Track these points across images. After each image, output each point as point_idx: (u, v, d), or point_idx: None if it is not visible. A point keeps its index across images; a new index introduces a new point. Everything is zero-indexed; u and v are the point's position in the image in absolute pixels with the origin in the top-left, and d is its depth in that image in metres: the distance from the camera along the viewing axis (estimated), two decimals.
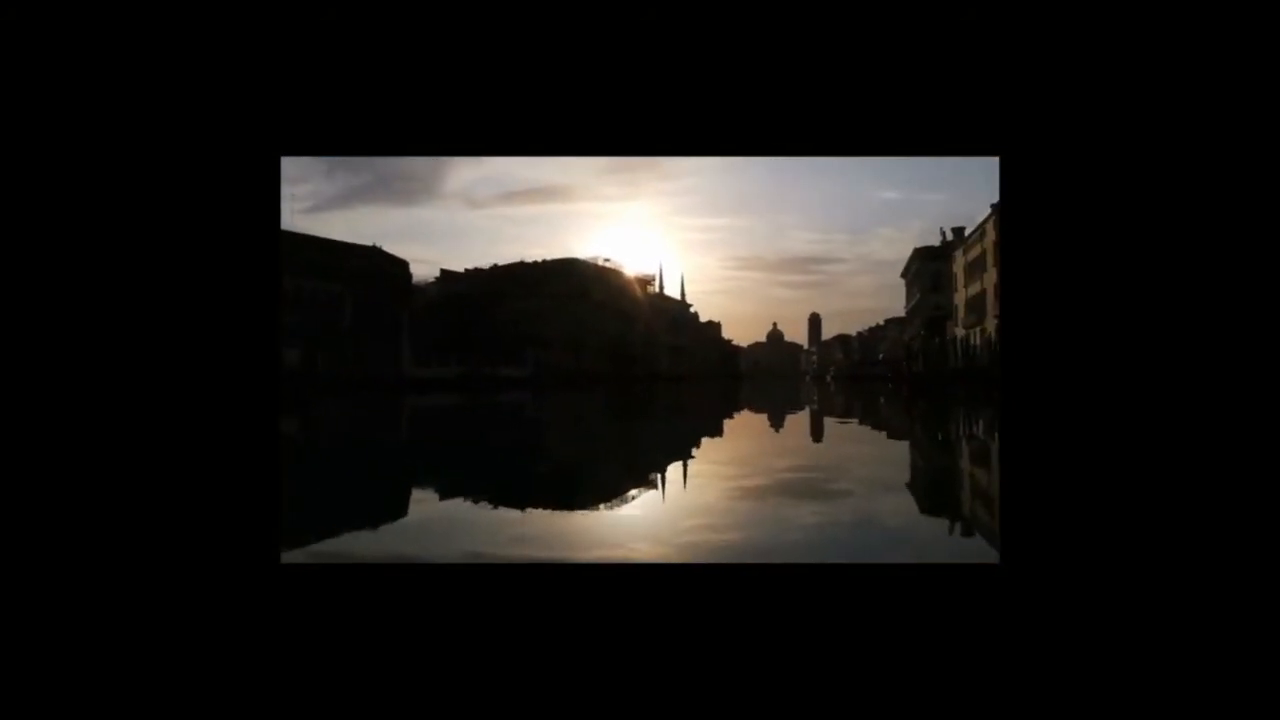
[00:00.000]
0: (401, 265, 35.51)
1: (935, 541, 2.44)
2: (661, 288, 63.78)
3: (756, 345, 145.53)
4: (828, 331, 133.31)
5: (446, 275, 47.53)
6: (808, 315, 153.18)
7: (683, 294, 72.93)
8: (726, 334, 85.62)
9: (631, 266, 53.52)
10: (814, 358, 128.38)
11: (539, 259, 47.30)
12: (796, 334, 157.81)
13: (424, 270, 37.05)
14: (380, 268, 33.48)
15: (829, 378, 64.55)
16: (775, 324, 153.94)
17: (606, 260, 50.33)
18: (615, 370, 40.97)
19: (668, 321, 57.88)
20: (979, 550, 2.32)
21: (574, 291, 44.76)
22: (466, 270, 48.37)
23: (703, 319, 73.71)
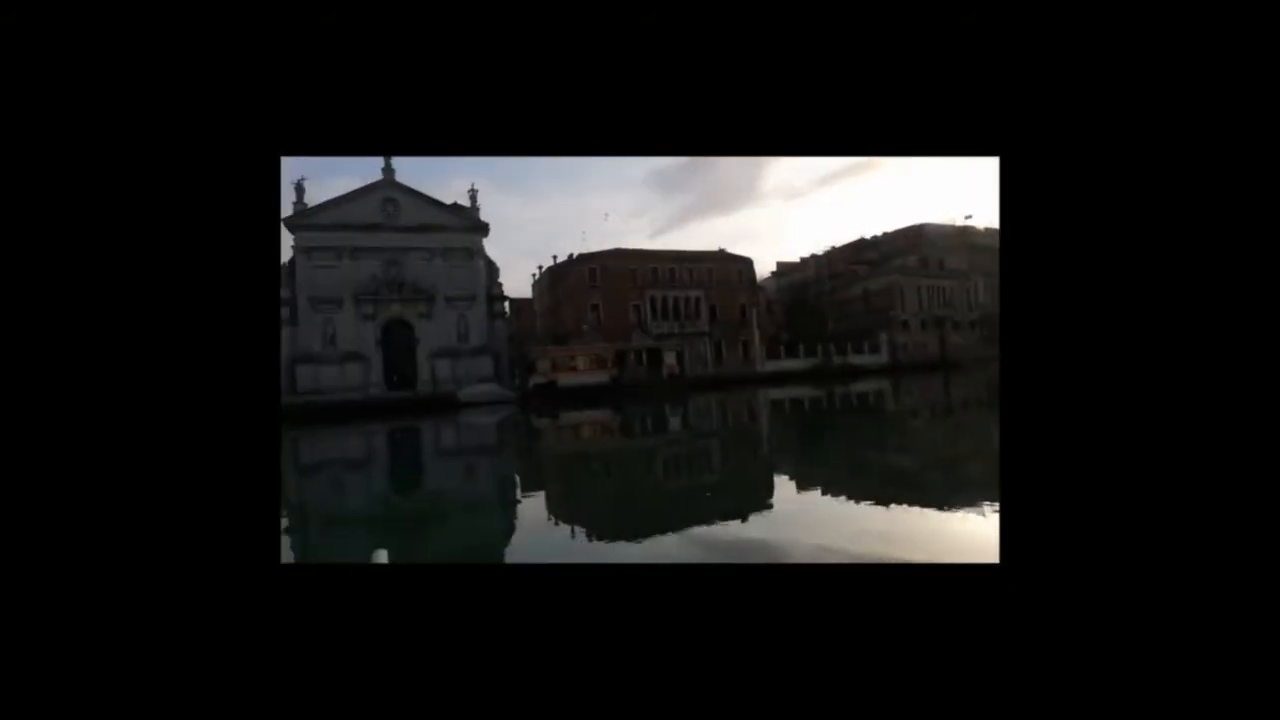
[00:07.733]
0: (746, 263, 37.60)
1: None
2: None
3: None
4: None
5: (783, 267, 48.02)
6: None
7: None
8: None
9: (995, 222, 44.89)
10: None
11: (880, 233, 44.41)
12: None
13: (758, 268, 38.44)
14: (727, 268, 36.26)
15: None
16: None
17: (968, 218, 43.47)
18: (988, 347, 35.75)
19: None
20: None
21: (929, 262, 40.63)
22: (802, 259, 48.20)
23: None
